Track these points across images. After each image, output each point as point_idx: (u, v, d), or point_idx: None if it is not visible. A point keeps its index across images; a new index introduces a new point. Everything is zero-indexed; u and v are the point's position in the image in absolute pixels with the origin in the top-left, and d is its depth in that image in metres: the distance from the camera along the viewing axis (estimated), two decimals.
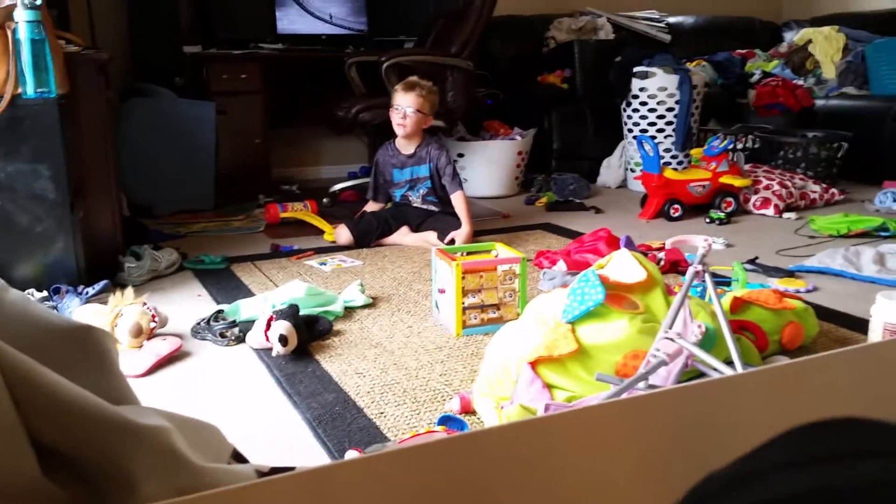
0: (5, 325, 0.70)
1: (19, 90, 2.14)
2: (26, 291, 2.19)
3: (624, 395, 1.27)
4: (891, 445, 0.33)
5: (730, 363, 1.34)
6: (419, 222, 3.12)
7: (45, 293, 2.22)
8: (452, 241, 2.96)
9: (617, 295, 1.52)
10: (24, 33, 2.10)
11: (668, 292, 1.60)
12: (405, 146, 3.17)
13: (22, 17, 2.09)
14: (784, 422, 0.55)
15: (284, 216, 3.39)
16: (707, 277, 1.41)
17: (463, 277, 2.00)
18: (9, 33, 2.10)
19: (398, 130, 3.11)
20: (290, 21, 4.41)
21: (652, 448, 0.66)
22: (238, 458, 0.94)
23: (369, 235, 3.05)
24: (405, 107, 3.06)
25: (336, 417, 1.56)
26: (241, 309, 2.11)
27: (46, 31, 2.14)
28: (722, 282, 2.32)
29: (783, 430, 0.36)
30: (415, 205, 3.19)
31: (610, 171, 4.40)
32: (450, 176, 3.10)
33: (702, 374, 1.42)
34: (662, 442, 0.66)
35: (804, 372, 0.70)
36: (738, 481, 0.33)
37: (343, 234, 3.03)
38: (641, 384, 1.27)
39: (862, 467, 0.31)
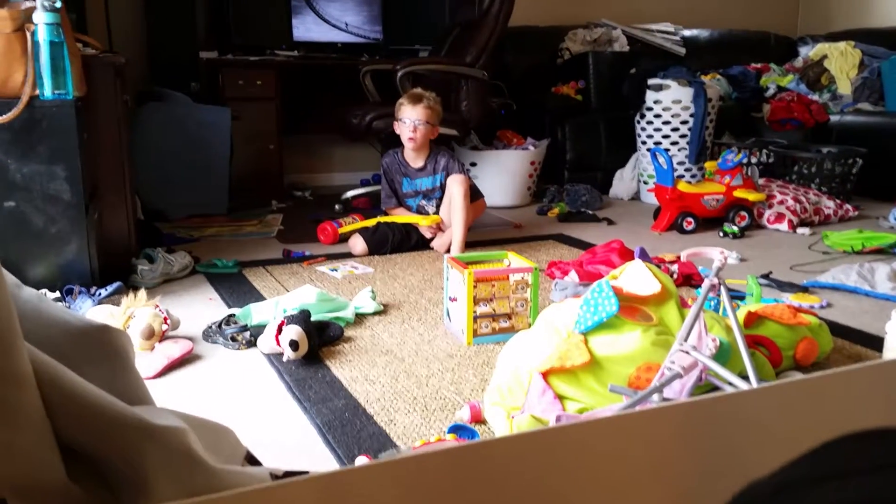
0: (20, 323, 0.70)
1: (37, 92, 2.15)
2: (39, 292, 2.20)
3: (637, 408, 1.26)
4: None
5: (744, 377, 1.33)
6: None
7: (57, 294, 2.23)
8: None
9: (630, 306, 1.51)
10: (42, 35, 2.11)
11: (683, 305, 1.59)
12: (414, 159, 3.16)
13: (41, 19, 2.11)
14: (806, 435, 0.54)
15: (343, 231, 3.16)
16: (723, 291, 1.40)
17: (475, 286, 1.99)
18: (28, 35, 2.12)
19: (408, 144, 3.10)
20: (306, 28, 4.43)
21: (668, 461, 0.65)
22: (251, 460, 0.94)
23: (384, 246, 3.03)
24: (414, 119, 3.06)
25: (346, 424, 1.55)
26: (253, 313, 2.11)
27: (65, 34, 2.15)
28: (736, 296, 2.30)
29: (818, 441, 0.35)
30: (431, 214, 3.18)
31: (623, 183, 4.39)
32: (457, 170, 3.10)
33: (715, 388, 1.41)
34: (679, 455, 0.65)
35: (823, 386, 0.69)
36: (783, 491, 0.32)
37: (358, 244, 3.02)
38: (655, 397, 1.26)
39: None
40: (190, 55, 4.11)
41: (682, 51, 5.13)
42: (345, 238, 3.14)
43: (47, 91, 2.15)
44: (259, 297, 2.39)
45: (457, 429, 1.50)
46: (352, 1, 4.52)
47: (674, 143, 4.04)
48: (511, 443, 0.62)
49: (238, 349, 1.97)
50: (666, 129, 4.05)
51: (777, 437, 0.63)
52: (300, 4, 4.40)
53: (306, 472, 0.84)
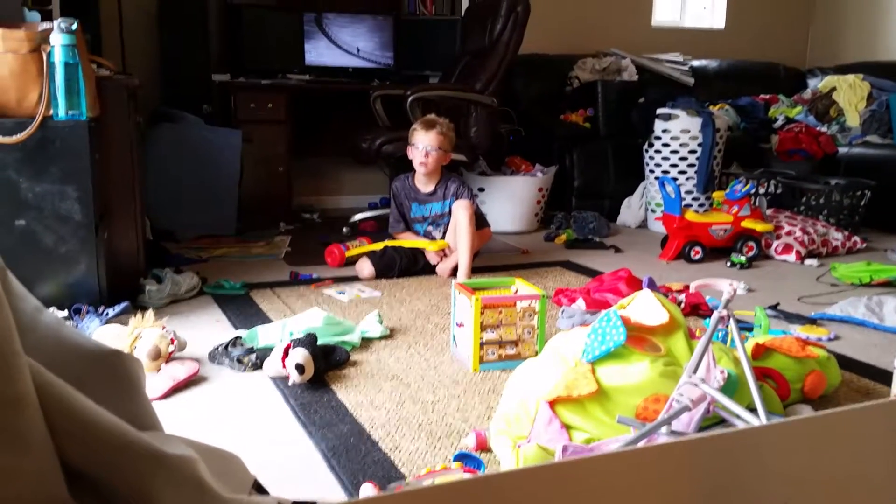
0: (39, 347, 0.70)
1: (51, 112, 2.17)
2: (56, 314, 2.20)
3: (644, 441, 1.25)
4: None
5: (752, 410, 1.32)
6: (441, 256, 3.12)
7: (65, 312, 2.24)
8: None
9: (639, 336, 1.51)
10: (58, 57, 2.14)
11: (691, 335, 1.59)
12: (425, 184, 3.17)
13: (58, 40, 2.13)
14: (816, 473, 0.54)
15: (350, 255, 3.17)
16: (732, 323, 1.39)
17: (482, 312, 1.99)
18: (44, 56, 2.15)
19: (420, 169, 3.11)
20: (318, 53, 4.48)
21: (675, 497, 0.65)
22: (259, 489, 0.93)
23: (392, 270, 3.03)
24: (427, 145, 3.07)
25: (350, 449, 1.54)
26: (259, 335, 2.12)
27: (80, 55, 2.18)
28: (744, 327, 2.29)
29: (828, 479, 0.35)
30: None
31: (630, 211, 4.39)
32: (465, 196, 3.10)
33: (723, 420, 1.40)
34: (687, 491, 0.65)
35: (833, 424, 0.69)
36: None
37: (365, 267, 3.02)
38: (663, 429, 1.25)
39: None
40: (203, 77, 4.15)
41: (691, 81, 5.15)
42: (352, 261, 3.14)
43: (61, 111, 2.17)
44: (266, 320, 2.39)
45: (462, 457, 1.50)
46: (364, 27, 4.56)
47: (682, 173, 4.04)
48: (518, 477, 0.62)
49: (244, 371, 1.97)
50: (674, 159, 4.06)
51: (785, 474, 0.63)
52: (313, 29, 4.45)
53: (314, 503, 0.84)
